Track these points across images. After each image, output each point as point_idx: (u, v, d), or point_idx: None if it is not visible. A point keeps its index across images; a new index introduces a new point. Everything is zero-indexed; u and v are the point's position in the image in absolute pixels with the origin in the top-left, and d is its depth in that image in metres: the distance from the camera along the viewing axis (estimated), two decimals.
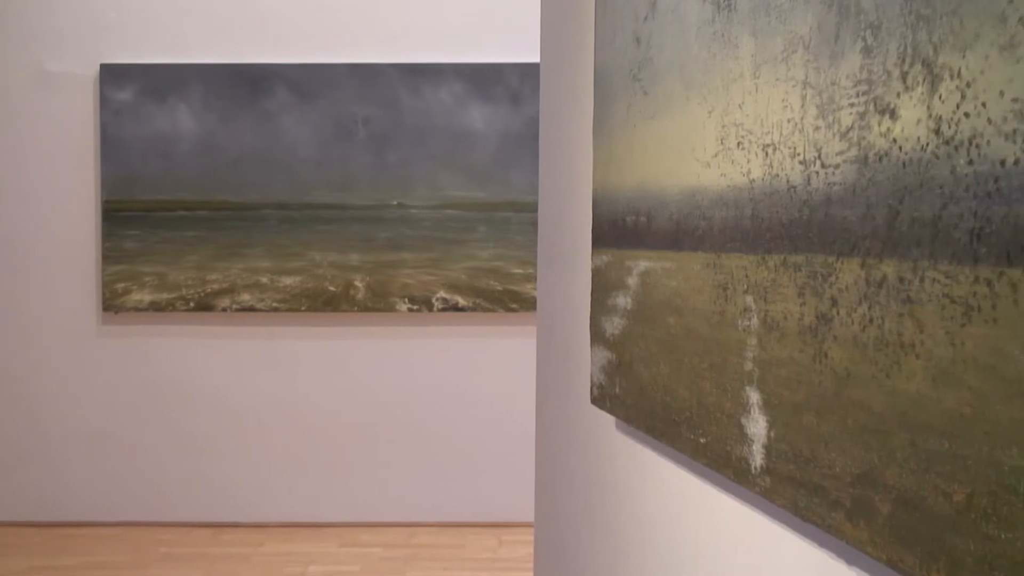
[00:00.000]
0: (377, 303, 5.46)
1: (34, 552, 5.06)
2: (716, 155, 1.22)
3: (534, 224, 5.36)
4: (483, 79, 5.45)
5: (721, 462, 1.19)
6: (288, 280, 5.47)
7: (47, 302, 5.53)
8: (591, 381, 1.84)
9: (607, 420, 1.86)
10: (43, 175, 5.52)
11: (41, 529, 5.43)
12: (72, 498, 5.53)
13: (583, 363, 2.00)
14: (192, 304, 5.48)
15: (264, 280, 5.47)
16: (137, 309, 5.49)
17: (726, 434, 1.17)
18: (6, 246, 5.52)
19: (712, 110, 1.24)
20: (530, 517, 5.12)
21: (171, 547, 5.12)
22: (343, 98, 5.46)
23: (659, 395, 1.44)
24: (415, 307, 5.45)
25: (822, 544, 0.98)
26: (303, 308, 5.47)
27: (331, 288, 5.47)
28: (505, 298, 5.44)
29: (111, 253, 5.47)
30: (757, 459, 1.07)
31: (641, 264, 1.53)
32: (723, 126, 1.20)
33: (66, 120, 5.51)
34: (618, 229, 1.65)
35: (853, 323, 0.88)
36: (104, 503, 5.52)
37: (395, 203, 5.46)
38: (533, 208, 5.37)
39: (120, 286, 5.47)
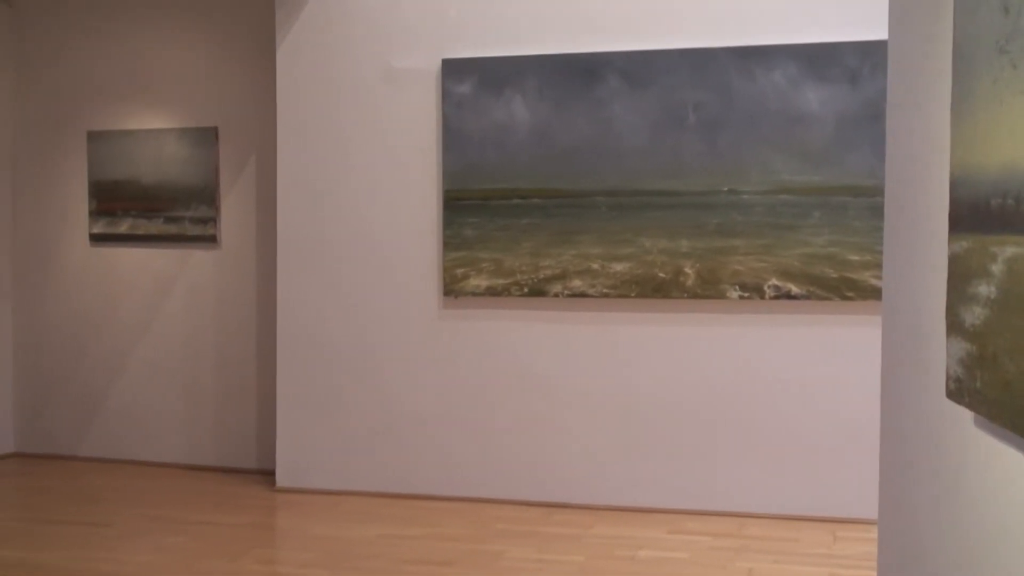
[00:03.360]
0: (707, 290, 5.41)
1: (384, 521, 5.40)
2: None
3: (873, 209, 5.14)
4: (818, 59, 5.27)
5: None
6: (618, 266, 5.53)
7: (395, 287, 5.87)
8: (946, 374, 1.74)
9: (964, 415, 1.75)
10: (391, 167, 5.87)
11: (391, 500, 5.79)
12: (418, 472, 5.85)
13: (936, 355, 1.89)
14: (526, 289, 5.66)
15: (595, 266, 5.56)
16: (474, 294, 5.73)
17: None
18: (359, 234, 5.91)
19: None
20: (866, 513, 4.92)
21: (507, 524, 5.31)
22: (674, 84, 5.45)
23: None
24: (746, 294, 5.37)
25: None
26: (633, 294, 5.51)
27: (661, 274, 5.48)
28: (841, 286, 5.25)
29: (451, 240, 5.74)
30: None
31: (1008, 250, 1.43)
32: None
33: (411, 114, 5.83)
34: (980, 213, 1.55)
35: None
36: (446, 478, 5.81)
37: (726, 189, 5.39)
38: (872, 192, 5.14)
39: (459, 271, 5.73)
